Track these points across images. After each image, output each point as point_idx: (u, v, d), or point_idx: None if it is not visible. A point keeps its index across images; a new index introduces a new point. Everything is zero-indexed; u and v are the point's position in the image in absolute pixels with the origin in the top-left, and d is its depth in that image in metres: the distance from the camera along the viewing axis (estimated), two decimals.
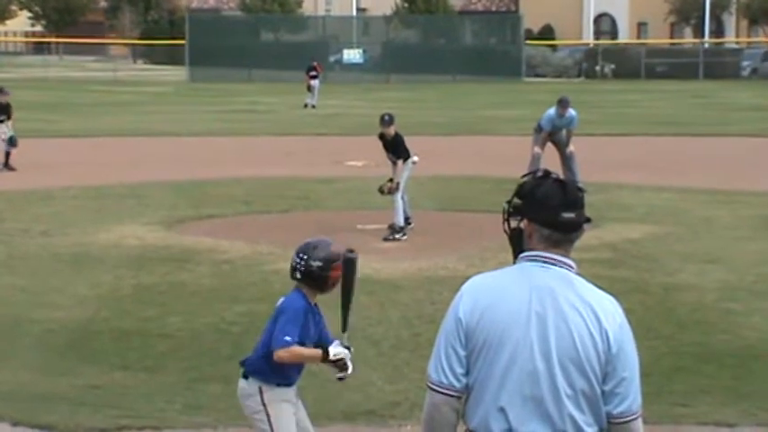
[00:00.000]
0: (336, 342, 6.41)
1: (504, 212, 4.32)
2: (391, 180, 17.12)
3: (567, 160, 21.82)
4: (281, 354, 6.29)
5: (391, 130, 17.16)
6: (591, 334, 4.11)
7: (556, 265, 4.21)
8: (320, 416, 8.74)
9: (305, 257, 6.46)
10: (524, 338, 4.13)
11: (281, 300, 6.54)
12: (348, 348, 6.54)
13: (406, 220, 17.18)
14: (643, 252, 15.59)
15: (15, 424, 8.72)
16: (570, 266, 4.24)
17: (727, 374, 9.91)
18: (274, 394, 6.48)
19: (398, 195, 16.97)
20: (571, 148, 21.85)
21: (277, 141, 32.91)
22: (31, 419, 8.76)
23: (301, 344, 6.45)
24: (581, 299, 4.16)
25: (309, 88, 47.39)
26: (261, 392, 6.47)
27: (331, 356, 6.32)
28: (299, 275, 6.45)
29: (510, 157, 26.01)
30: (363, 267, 14.29)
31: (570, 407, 4.10)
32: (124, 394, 9.39)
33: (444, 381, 4.21)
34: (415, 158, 17.39)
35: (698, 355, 10.45)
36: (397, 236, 16.95)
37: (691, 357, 10.40)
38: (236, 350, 9.89)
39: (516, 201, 4.28)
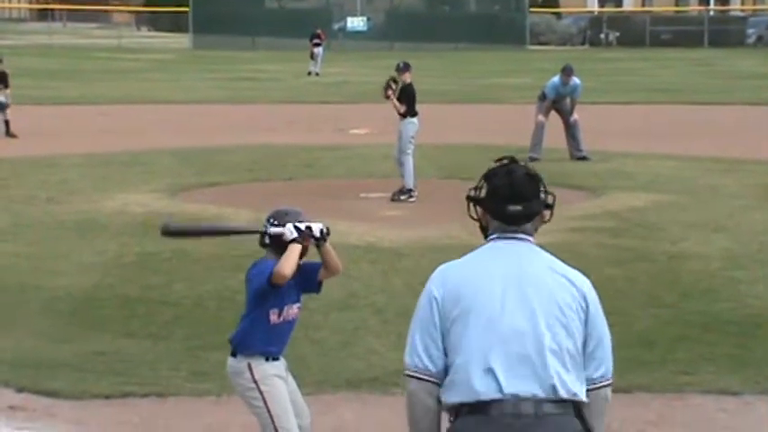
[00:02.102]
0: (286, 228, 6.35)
1: (468, 199, 4.50)
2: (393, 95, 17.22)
3: (570, 128, 21.80)
4: (275, 276, 6.22)
5: (406, 77, 17.24)
6: (572, 294, 4.26)
7: (517, 239, 4.40)
8: (324, 384, 8.76)
9: (275, 222, 6.44)
10: (504, 300, 4.22)
11: (249, 269, 6.52)
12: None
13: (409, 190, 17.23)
14: (647, 220, 15.58)
15: (20, 390, 8.74)
16: (530, 240, 4.42)
17: (732, 342, 9.90)
18: (264, 370, 6.42)
19: (408, 156, 17.03)
20: (575, 116, 21.82)
21: (280, 109, 32.87)
22: (36, 386, 8.78)
23: (281, 310, 6.44)
24: (550, 265, 4.34)
25: (313, 56, 47.27)
26: (250, 369, 6.40)
27: (303, 230, 6.28)
28: (267, 240, 6.44)
29: (514, 125, 25.95)
30: (366, 235, 14.39)
31: (557, 364, 4.16)
32: (129, 361, 9.40)
33: (420, 364, 4.29)
34: (415, 120, 17.36)
35: (702, 324, 10.45)
36: (402, 197, 17.05)
37: (695, 326, 10.40)
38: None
39: (478, 188, 4.47)
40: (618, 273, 12.44)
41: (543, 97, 21.84)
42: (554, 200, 4.49)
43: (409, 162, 17.06)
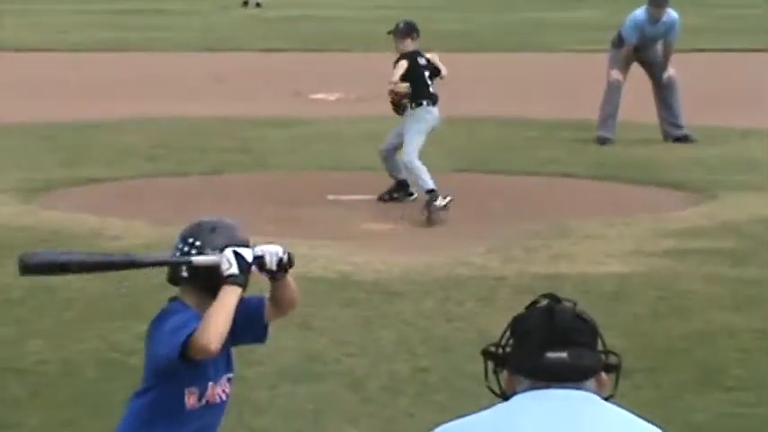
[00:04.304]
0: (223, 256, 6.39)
1: (486, 357, 4.69)
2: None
3: (663, 92, 21.80)
4: (195, 347, 6.18)
5: (407, 44, 17.22)
6: None
7: (563, 388, 4.58)
8: None
9: (197, 243, 6.43)
10: None
11: (155, 320, 6.50)
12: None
13: (403, 183, 17.23)
14: None
15: None
16: (589, 390, 4.60)
17: None
18: None
19: (413, 158, 16.94)
20: (670, 71, 21.83)
21: (200, 61, 32.86)
22: None
23: (202, 389, 6.40)
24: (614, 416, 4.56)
25: None
26: None
27: (251, 259, 6.32)
28: (184, 273, 6.42)
29: (570, 87, 25.99)
30: (337, 262, 14.34)
31: None
32: None
33: None
34: (432, 108, 17.42)
35: None
36: (397, 195, 17.03)
37: None
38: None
39: (502, 343, 4.66)
40: (741, 322, 12.48)
41: (620, 42, 21.84)
42: (619, 363, 4.63)
43: (415, 162, 16.99)
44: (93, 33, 38.12)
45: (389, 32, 17.63)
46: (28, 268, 6.52)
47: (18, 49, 34.36)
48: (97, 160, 20.11)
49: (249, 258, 6.31)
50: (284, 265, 6.41)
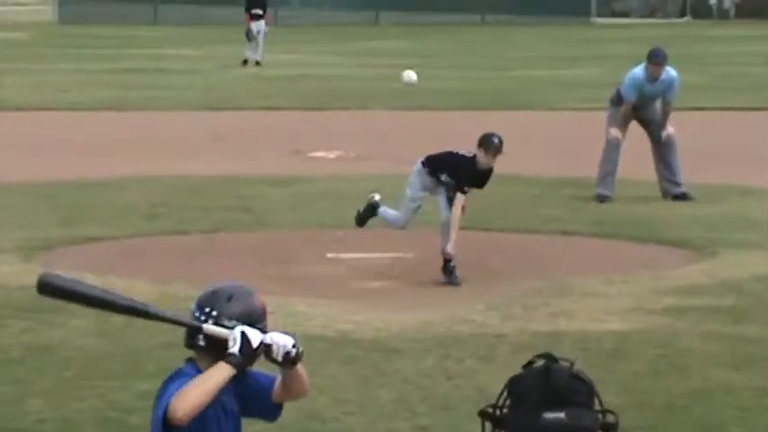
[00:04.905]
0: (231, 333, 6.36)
1: (484, 421, 4.73)
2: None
3: (662, 149, 21.80)
4: (169, 411, 6.18)
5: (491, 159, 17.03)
6: None
7: None
8: None
9: (213, 313, 6.44)
10: None
11: (166, 381, 6.48)
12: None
13: (373, 206, 17.09)
14: None
15: None
16: None
17: None
18: None
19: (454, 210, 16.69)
20: (669, 129, 21.84)
21: (201, 119, 32.85)
22: None
23: None
24: None
25: (250, 35, 47.31)
26: None
27: (257, 345, 6.28)
28: (201, 342, 6.43)
29: (570, 144, 25.93)
30: (336, 320, 14.32)
31: None
32: None
33: None
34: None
35: None
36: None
37: None
38: None
39: (500, 404, 4.71)
40: (740, 380, 12.46)
41: (619, 100, 21.85)
42: (616, 421, 4.62)
43: (454, 217, 16.85)
44: (94, 92, 38.14)
45: (495, 150, 17.11)
46: (46, 288, 6.54)
47: (19, 108, 34.41)
48: (97, 219, 20.10)
49: (255, 344, 6.30)
50: (291, 359, 6.40)
